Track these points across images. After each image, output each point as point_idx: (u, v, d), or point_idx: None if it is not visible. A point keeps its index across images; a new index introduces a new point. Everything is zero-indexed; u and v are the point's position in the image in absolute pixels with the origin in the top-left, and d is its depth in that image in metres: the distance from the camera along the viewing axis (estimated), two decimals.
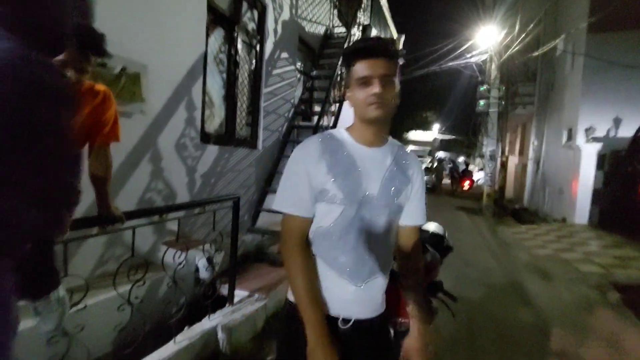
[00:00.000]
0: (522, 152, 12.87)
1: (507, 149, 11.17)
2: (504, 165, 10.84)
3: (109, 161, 1.64)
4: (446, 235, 2.08)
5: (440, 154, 32.09)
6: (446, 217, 8.42)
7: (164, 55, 2.74)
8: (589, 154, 7.54)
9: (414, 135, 29.06)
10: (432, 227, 2.11)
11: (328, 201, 0.96)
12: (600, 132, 7.45)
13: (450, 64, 11.21)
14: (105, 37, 1.37)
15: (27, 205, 0.73)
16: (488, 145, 10.82)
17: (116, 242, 2.39)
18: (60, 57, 1.20)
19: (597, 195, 7.34)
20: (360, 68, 0.93)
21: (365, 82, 0.92)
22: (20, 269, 0.89)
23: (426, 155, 28.67)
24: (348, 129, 1.04)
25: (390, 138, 1.07)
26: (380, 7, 6.87)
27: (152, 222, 2.06)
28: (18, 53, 0.70)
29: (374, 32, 6.31)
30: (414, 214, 1.08)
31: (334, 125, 4.78)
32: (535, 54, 9.48)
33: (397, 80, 0.95)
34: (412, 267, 1.11)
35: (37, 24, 0.78)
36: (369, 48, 0.93)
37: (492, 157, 10.64)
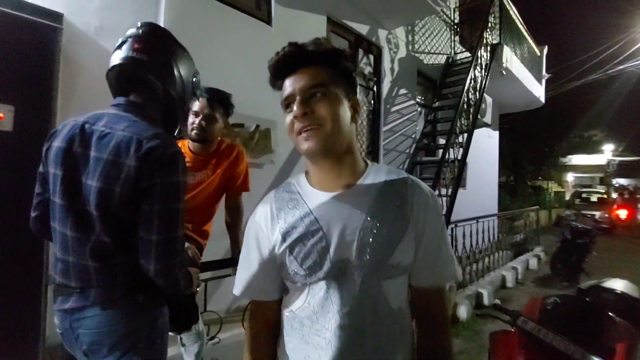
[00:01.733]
0: None
1: None
2: None
3: (240, 210, 1.85)
4: None
5: (621, 181, 24.90)
6: (637, 268, 6.21)
7: None
8: None
9: (578, 160, 23.47)
10: (619, 285, 1.54)
11: (289, 280, 0.71)
12: None
13: (620, 67, 8.92)
14: (231, 96, 1.66)
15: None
16: None
17: None
18: (196, 108, 1.55)
19: None
20: (283, 88, 0.70)
21: (288, 104, 0.69)
22: (170, 305, 1.05)
23: (596, 185, 22.64)
24: (307, 171, 0.78)
25: (372, 167, 0.75)
26: (512, 22, 6.15)
27: None
28: (141, 130, 0.87)
29: (506, 50, 5.62)
30: (428, 270, 0.72)
31: (463, 159, 4.23)
32: None
33: (340, 91, 0.68)
34: (432, 346, 0.73)
35: (160, 111, 1.01)
36: (281, 60, 0.68)
37: None
